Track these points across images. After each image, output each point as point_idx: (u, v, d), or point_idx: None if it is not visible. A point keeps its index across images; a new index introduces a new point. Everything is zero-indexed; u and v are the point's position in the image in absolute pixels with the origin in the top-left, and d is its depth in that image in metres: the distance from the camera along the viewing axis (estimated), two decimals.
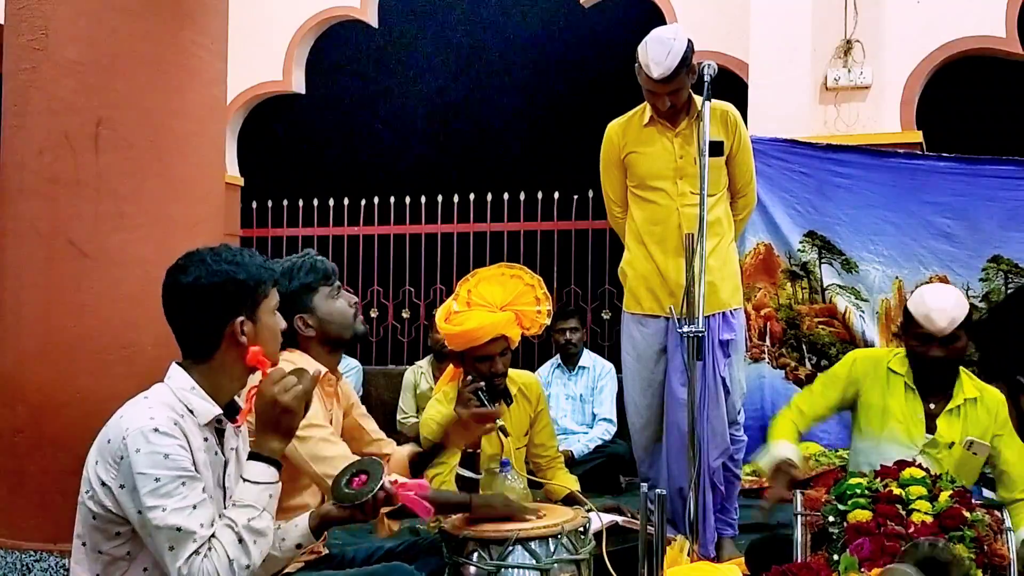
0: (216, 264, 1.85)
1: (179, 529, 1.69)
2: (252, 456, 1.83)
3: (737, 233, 3.55)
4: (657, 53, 3.15)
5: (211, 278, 1.83)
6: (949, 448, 2.81)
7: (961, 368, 2.91)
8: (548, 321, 3.17)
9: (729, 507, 3.48)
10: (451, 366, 3.25)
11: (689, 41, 3.21)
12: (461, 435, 2.67)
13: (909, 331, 2.87)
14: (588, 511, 2.61)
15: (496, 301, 3.03)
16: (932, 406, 2.89)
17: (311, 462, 2.20)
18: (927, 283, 4.51)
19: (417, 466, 2.68)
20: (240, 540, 1.74)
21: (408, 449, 2.70)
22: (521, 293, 3.07)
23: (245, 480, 1.81)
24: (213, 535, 1.74)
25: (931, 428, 2.86)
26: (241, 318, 1.85)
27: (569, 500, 2.98)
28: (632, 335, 3.48)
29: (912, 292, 3.01)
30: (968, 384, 2.90)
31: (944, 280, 4.53)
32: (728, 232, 3.47)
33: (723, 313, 3.38)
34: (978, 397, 2.87)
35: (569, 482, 3.19)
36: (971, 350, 4.27)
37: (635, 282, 3.47)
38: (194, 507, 1.72)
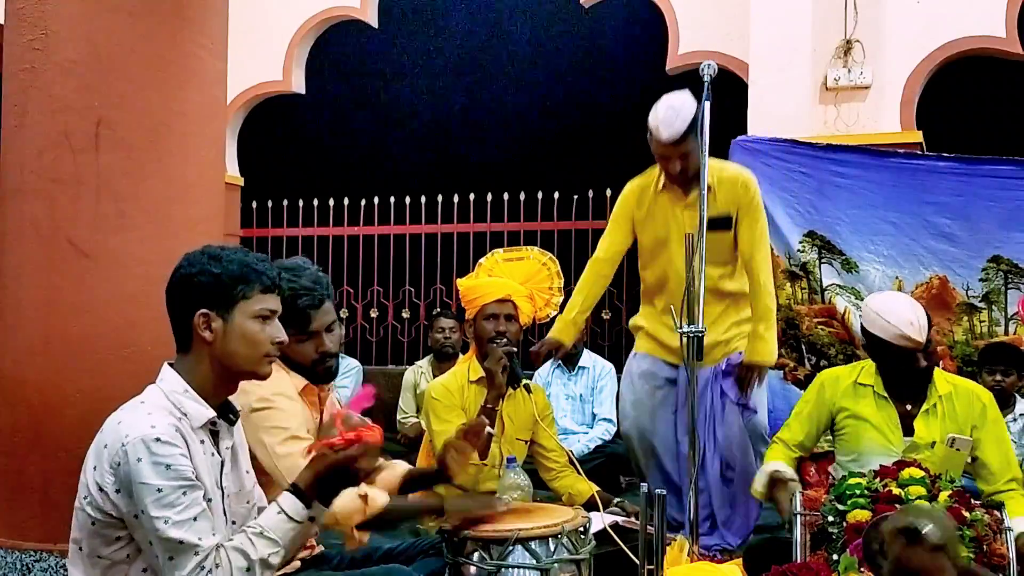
0: (200, 257, 1.87)
1: (181, 542, 1.68)
2: (294, 490, 1.81)
3: (763, 303, 3.33)
4: (667, 117, 3.20)
5: (189, 268, 1.86)
6: (931, 448, 2.80)
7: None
8: (560, 301, 3.34)
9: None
10: (466, 355, 3.33)
11: (698, 107, 3.12)
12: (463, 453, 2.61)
13: (886, 352, 2.82)
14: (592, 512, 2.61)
15: (516, 279, 3.23)
16: (909, 407, 2.88)
17: (288, 477, 2.15)
18: (927, 283, 4.51)
19: (410, 485, 2.61)
20: (249, 569, 1.73)
21: (403, 467, 2.61)
22: (537, 273, 3.28)
23: (280, 512, 1.78)
24: (223, 549, 1.72)
25: (908, 431, 2.86)
26: (205, 311, 1.83)
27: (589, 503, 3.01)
28: (639, 362, 3.55)
29: (872, 303, 2.96)
30: (940, 381, 2.89)
31: (944, 280, 4.53)
32: (741, 307, 3.43)
33: (722, 363, 3.40)
34: (952, 391, 2.87)
35: (587, 487, 3.18)
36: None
37: (647, 332, 3.56)
38: (195, 519, 1.71)
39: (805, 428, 3.02)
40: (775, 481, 2.90)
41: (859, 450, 2.88)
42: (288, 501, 1.79)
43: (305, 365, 2.38)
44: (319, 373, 2.40)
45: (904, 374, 2.85)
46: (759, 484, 2.96)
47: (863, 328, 2.93)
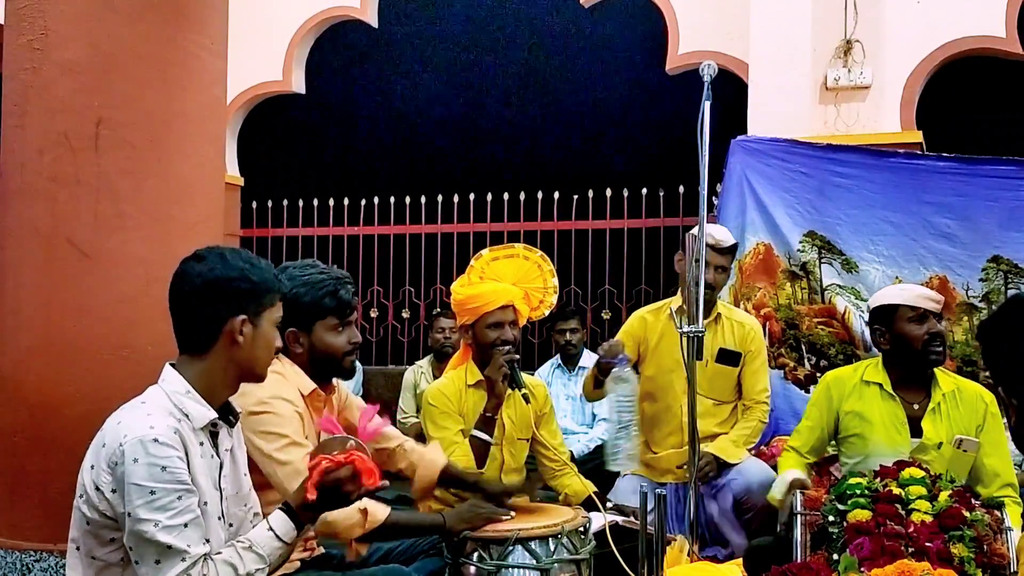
0: (234, 259, 1.86)
1: (169, 547, 1.67)
2: (287, 509, 1.80)
3: (747, 439, 3.54)
4: (721, 230, 3.57)
5: (226, 271, 1.83)
6: (938, 449, 2.79)
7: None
8: (554, 301, 3.31)
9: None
10: (457, 354, 3.31)
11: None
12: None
13: (899, 324, 2.85)
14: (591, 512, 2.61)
15: (508, 278, 3.19)
16: (915, 407, 2.88)
17: (289, 484, 2.14)
18: (927, 283, 4.50)
19: (447, 481, 2.70)
20: None
21: (442, 460, 2.69)
22: (530, 271, 3.24)
23: (269, 529, 1.77)
24: (211, 561, 1.72)
25: (916, 432, 2.85)
26: (243, 317, 1.84)
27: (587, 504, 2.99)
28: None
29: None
30: (944, 379, 2.90)
31: (944, 280, 4.52)
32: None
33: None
34: (955, 391, 2.87)
35: (583, 487, 3.17)
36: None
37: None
38: (185, 525, 1.70)
39: (816, 434, 3.02)
40: (790, 484, 2.86)
41: (866, 452, 2.86)
42: (279, 521, 1.79)
43: (335, 358, 2.39)
44: (346, 367, 2.43)
45: (917, 351, 2.83)
46: (778, 492, 2.91)
47: (872, 312, 2.94)
